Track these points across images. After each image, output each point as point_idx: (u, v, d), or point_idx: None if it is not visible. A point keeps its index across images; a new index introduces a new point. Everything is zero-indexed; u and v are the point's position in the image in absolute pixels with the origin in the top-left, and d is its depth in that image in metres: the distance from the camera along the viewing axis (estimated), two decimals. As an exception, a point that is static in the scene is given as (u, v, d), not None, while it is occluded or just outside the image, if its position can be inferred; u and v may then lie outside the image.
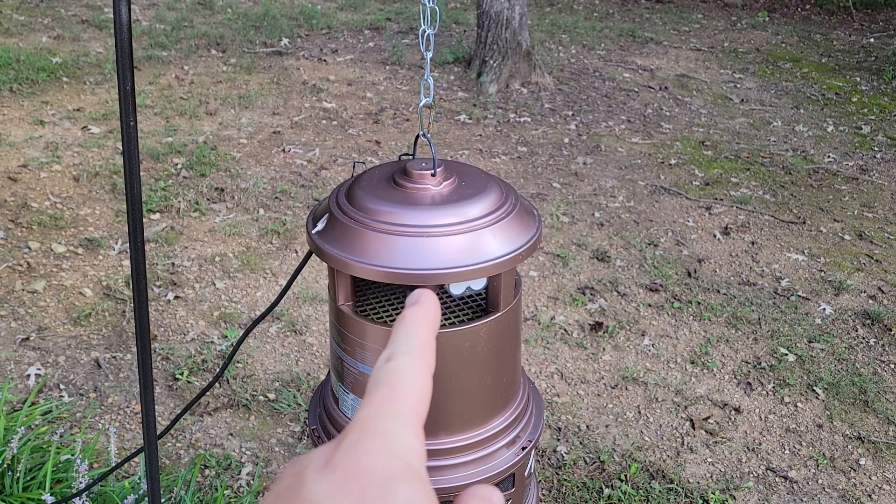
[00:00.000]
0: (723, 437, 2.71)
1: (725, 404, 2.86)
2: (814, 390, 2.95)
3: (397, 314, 0.77)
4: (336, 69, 6.17)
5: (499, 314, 0.87)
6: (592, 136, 5.23)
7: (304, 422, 2.66)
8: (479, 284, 0.89)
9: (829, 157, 5.10)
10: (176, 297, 3.22)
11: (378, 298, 0.94)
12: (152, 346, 2.91)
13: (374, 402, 0.34)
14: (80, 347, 2.90)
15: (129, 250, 1.07)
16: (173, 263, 3.44)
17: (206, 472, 2.41)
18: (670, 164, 4.83)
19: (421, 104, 0.94)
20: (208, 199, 3.99)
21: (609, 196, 4.36)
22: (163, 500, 2.07)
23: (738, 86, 6.50)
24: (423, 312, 0.40)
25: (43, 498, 1.79)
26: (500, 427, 0.92)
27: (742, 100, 6.16)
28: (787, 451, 2.67)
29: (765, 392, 2.94)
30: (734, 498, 2.46)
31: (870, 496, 2.50)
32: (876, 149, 5.27)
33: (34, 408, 2.46)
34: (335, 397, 0.95)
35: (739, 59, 7.28)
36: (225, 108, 5.21)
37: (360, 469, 0.31)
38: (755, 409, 2.85)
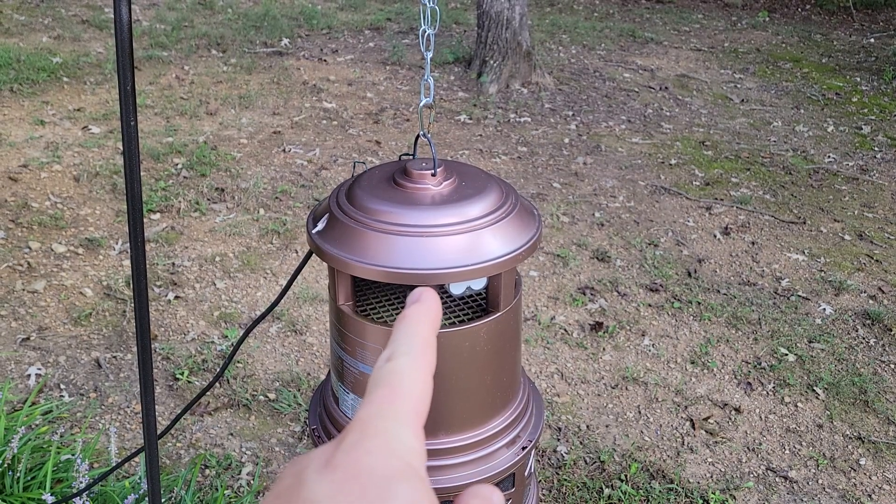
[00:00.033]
0: (723, 437, 2.71)
1: (725, 404, 2.86)
2: (814, 390, 2.95)
3: (397, 314, 0.77)
4: (336, 69, 6.18)
5: (499, 314, 0.87)
6: (593, 136, 5.23)
7: (305, 422, 2.66)
8: (479, 284, 0.89)
9: (829, 157, 5.10)
10: (176, 297, 3.22)
11: (378, 298, 0.94)
12: (152, 346, 2.92)
13: (375, 401, 0.34)
14: (80, 347, 2.91)
15: (129, 250, 1.07)
16: (173, 263, 3.44)
17: (207, 471, 2.41)
18: (670, 164, 4.83)
19: (421, 104, 0.94)
20: (208, 199, 4.00)
21: (609, 196, 4.36)
22: (163, 500, 2.07)
23: (739, 86, 6.50)
24: (424, 311, 0.40)
25: (43, 498, 1.79)
26: (500, 427, 0.92)
27: (742, 100, 6.16)
28: (787, 451, 2.67)
29: (765, 392, 2.94)
30: (734, 498, 2.46)
31: (870, 496, 2.50)
32: (876, 149, 5.27)
33: (34, 408, 2.46)
34: (335, 397, 0.95)
35: (740, 59, 7.28)
36: (225, 108, 5.21)
37: (360, 469, 0.31)
38: (755, 409, 2.85)
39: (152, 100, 5.24)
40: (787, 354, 3.14)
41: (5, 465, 2.00)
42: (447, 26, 7.55)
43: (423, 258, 0.79)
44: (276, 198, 4.06)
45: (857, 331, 3.31)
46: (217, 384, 2.77)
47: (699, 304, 3.43)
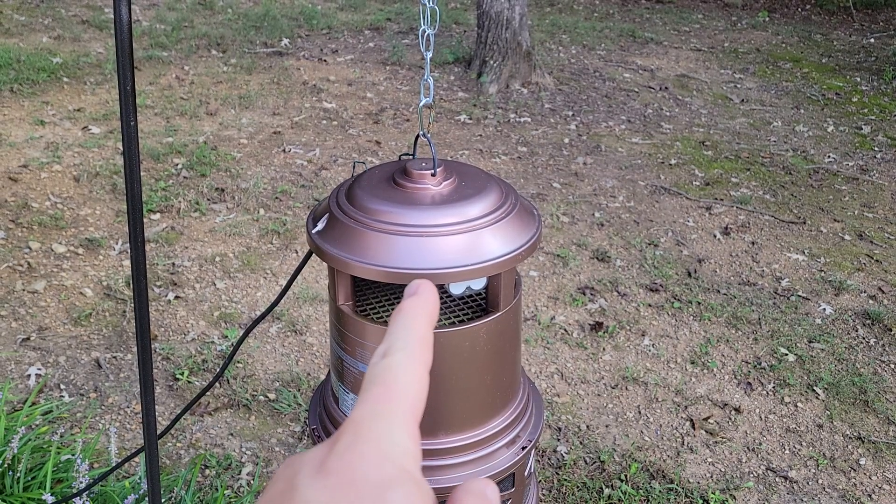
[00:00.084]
0: (723, 437, 2.71)
1: (725, 404, 2.86)
2: (814, 390, 2.95)
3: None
4: (336, 69, 6.18)
5: (499, 314, 0.87)
6: (592, 136, 5.23)
7: (305, 422, 2.66)
8: (479, 284, 0.89)
9: (829, 157, 5.10)
10: (176, 297, 3.22)
11: (378, 298, 0.94)
12: (152, 346, 2.92)
13: (369, 400, 0.34)
14: (80, 347, 2.91)
15: (129, 250, 1.08)
16: (173, 263, 3.44)
17: (207, 472, 2.41)
18: (670, 165, 4.83)
19: (421, 104, 0.94)
20: (209, 200, 4.00)
21: (609, 196, 4.36)
22: (163, 500, 2.07)
23: (739, 86, 6.51)
24: (421, 304, 0.39)
25: (43, 498, 1.79)
26: (500, 427, 0.92)
27: (742, 100, 6.16)
28: (787, 451, 2.67)
29: (765, 392, 2.94)
30: (734, 498, 2.46)
31: (870, 496, 2.50)
32: (876, 149, 5.27)
33: (34, 408, 2.46)
34: (335, 397, 0.95)
35: (739, 59, 7.28)
36: (225, 109, 5.21)
37: (353, 475, 0.30)
38: (755, 409, 2.85)
39: (152, 100, 5.24)
40: (787, 354, 3.14)
41: (5, 466, 2.00)
42: (447, 26, 7.55)
43: (423, 258, 0.79)
44: (276, 198, 4.06)
45: (857, 331, 3.31)
46: (217, 384, 2.77)
47: (699, 304, 3.43)
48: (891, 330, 3.31)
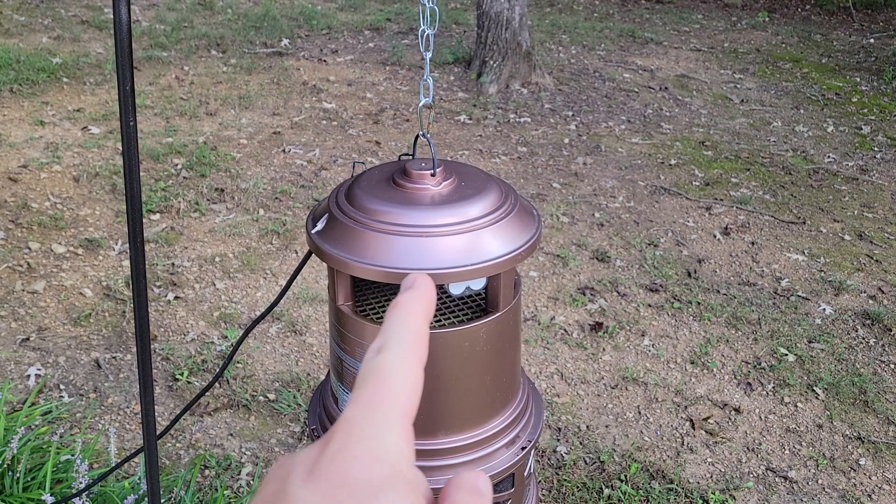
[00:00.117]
0: (723, 438, 2.71)
1: (725, 404, 2.86)
2: (814, 390, 2.95)
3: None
4: (336, 69, 6.18)
5: (498, 314, 0.87)
6: (592, 136, 5.23)
7: (304, 422, 2.66)
8: (478, 284, 0.89)
9: (829, 157, 5.10)
10: (176, 298, 3.22)
11: (378, 298, 0.94)
12: (152, 346, 2.91)
13: (362, 399, 0.33)
14: (80, 348, 2.90)
15: (129, 251, 1.07)
16: (173, 264, 3.44)
17: (206, 472, 2.41)
18: (670, 165, 4.83)
19: (421, 104, 0.94)
20: (208, 200, 4.00)
21: (609, 196, 4.36)
22: (163, 501, 2.07)
23: (738, 86, 6.51)
24: (417, 298, 0.38)
25: (43, 498, 1.79)
26: (500, 427, 0.92)
27: (742, 100, 6.16)
28: (787, 451, 2.67)
29: (765, 392, 2.94)
30: (734, 498, 2.46)
31: (870, 496, 2.50)
32: (876, 149, 5.27)
33: (34, 408, 2.46)
34: (335, 397, 0.95)
35: (739, 59, 7.28)
36: (225, 109, 5.21)
37: (345, 478, 0.30)
38: (755, 409, 2.85)
39: (152, 100, 5.24)
40: (786, 354, 3.14)
41: (5, 466, 2.00)
42: (447, 26, 7.55)
43: (423, 258, 0.79)
44: (276, 198, 4.06)
45: (856, 331, 3.31)
46: (217, 384, 2.77)
47: (699, 304, 3.43)
48: (891, 330, 3.31)
